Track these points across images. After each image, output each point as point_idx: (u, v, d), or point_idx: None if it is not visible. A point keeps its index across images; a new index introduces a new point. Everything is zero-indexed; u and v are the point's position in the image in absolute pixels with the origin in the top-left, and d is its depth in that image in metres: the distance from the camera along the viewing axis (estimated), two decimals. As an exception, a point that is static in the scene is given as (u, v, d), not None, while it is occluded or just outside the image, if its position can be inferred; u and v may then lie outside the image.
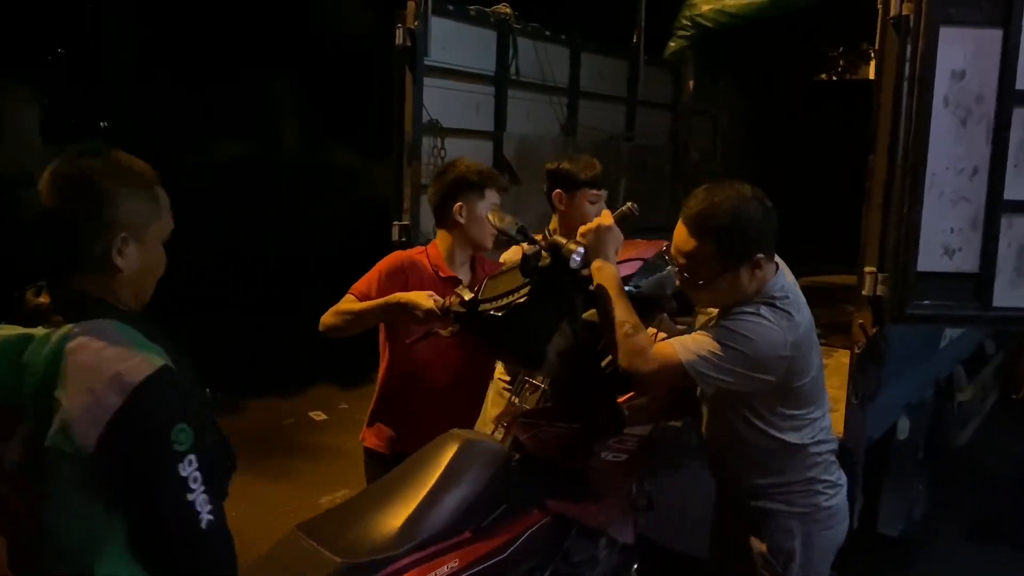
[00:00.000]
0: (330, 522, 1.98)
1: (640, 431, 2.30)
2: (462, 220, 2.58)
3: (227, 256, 8.30)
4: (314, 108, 10.40)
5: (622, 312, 2.02)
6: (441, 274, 2.59)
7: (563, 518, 2.18)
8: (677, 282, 2.19)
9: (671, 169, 6.46)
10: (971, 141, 2.62)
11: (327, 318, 2.52)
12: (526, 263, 2.07)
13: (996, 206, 2.61)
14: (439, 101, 4.11)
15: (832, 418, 3.10)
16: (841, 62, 11.16)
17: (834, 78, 10.82)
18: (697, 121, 6.67)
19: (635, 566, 2.41)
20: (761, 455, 2.14)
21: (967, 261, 2.66)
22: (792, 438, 2.12)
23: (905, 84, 2.61)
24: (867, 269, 2.69)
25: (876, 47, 2.77)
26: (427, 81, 3.96)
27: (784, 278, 2.09)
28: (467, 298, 2.14)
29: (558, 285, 2.09)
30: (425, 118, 3.98)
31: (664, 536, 2.97)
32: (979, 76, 2.59)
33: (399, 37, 3.80)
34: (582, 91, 5.36)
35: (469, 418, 2.63)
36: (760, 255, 1.97)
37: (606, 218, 2.17)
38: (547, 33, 5.03)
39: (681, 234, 2.01)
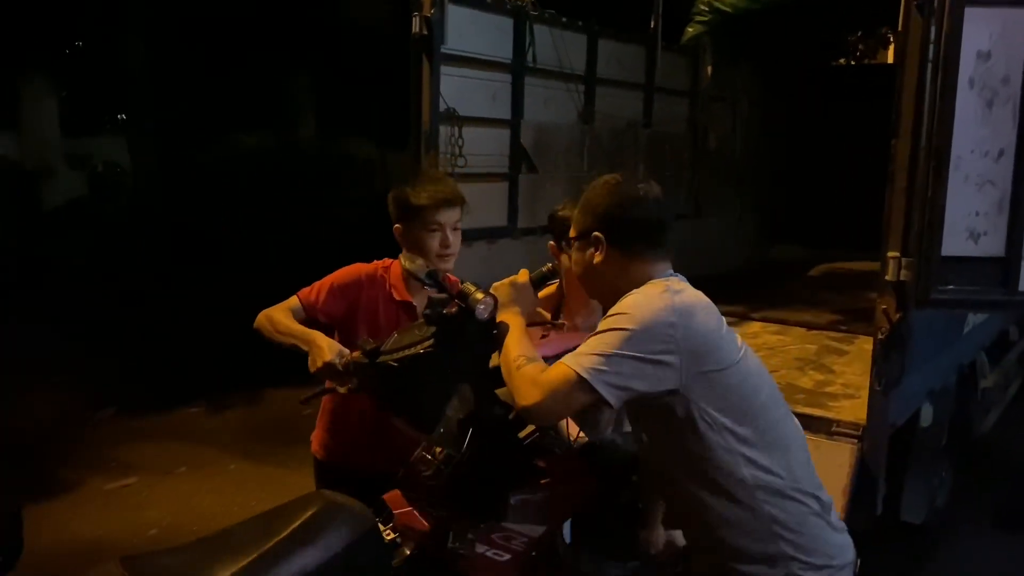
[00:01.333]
0: (156, 561, 1.80)
1: (530, 531, 2.00)
2: (401, 244, 2.46)
3: (245, 247, 8.35)
4: (331, 98, 10.42)
5: (516, 348, 1.85)
6: (396, 296, 2.47)
7: None
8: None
9: (689, 156, 6.42)
10: (997, 123, 2.58)
11: (261, 318, 2.41)
12: (430, 309, 1.96)
13: (1022, 189, 2.57)
14: (456, 89, 4.09)
15: (854, 405, 3.11)
16: (860, 47, 11.04)
17: (853, 63, 10.71)
18: (716, 107, 6.61)
19: None
20: (714, 505, 1.77)
21: (993, 245, 2.62)
22: (746, 474, 1.73)
23: (929, 66, 2.56)
24: (890, 254, 2.66)
25: (899, 29, 2.72)
26: (444, 69, 3.95)
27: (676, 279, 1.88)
28: (369, 348, 1.98)
29: (463, 337, 1.95)
30: (442, 107, 3.97)
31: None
32: (1005, 56, 2.55)
33: (416, 25, 3.79)
34: (599, 78, 5.32)
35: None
36: (597, 233, 1.86)
37: (522, 275, 2.06)
38: (564, 20, 5.00)
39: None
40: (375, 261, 2.56)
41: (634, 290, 1.80)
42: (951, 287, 2.64)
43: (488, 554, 1.96)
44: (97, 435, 5.63)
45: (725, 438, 1.73)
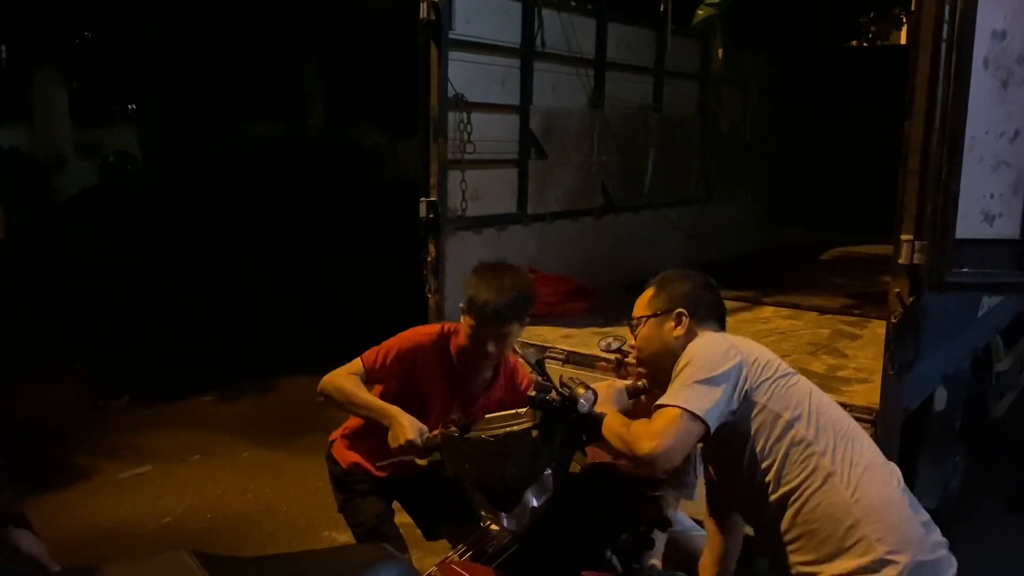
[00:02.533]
0: (226, 561, 1.86)
1: None
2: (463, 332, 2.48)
3: (257, 235, 8.37)
4: (340, 86, 10.41)
5: (618, 419, 2.06)
6: (457, 368, 2.51)
7: None
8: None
9: (700, 140, 6.38)
10: (1012, 104, 2.54)
11: (328, 385, 2.44)
12: (536, 394, 2.07)
13: (1038, 170, 2.54)
14: (464, 75, 4.08)
15: (868, 389, 3.09)
16: (872, 28, 10.94)
17: (865, 45, 10.61)
18: (727, 91, 6.57)
19: None
20: (793, 513, 1.96)
21: (1008, 227, 2.59)
22: (817, 468, 1.94)
23: (943, 47, 2.53)
24: (904, 237, 2.63)
25: (912, 10, 2.69)
26: (452, 55, 3.94)
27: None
28: (461, 423, 2.14)
29: (558, 427, 2.07)
30: (450, 93, 3.96)
31: None
32: (1021, 36, 2.51)
33: (423, 11, 3.77)
34: (609, 62, 5.29)
35: None
36: (681, 310, 2.11)
37: (620, 383, 2.31)
38: (573, 3, 4.97)
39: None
40: (437, 326, 2.58)
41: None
42: (965, 270, 2.61)
43: None
44: (111, 423, 5.67)
45: (793, 438, 1.96)
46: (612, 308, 4.34)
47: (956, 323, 3.43)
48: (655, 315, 2.15)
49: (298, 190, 9.20)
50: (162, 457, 4.96)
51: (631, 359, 3.14)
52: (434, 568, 2.15)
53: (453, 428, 2.15)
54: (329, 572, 1.90)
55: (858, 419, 2.80)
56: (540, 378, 2.14)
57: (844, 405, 2.84)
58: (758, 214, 7.25)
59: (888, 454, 2.82)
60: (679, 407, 1.92)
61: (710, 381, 1.95)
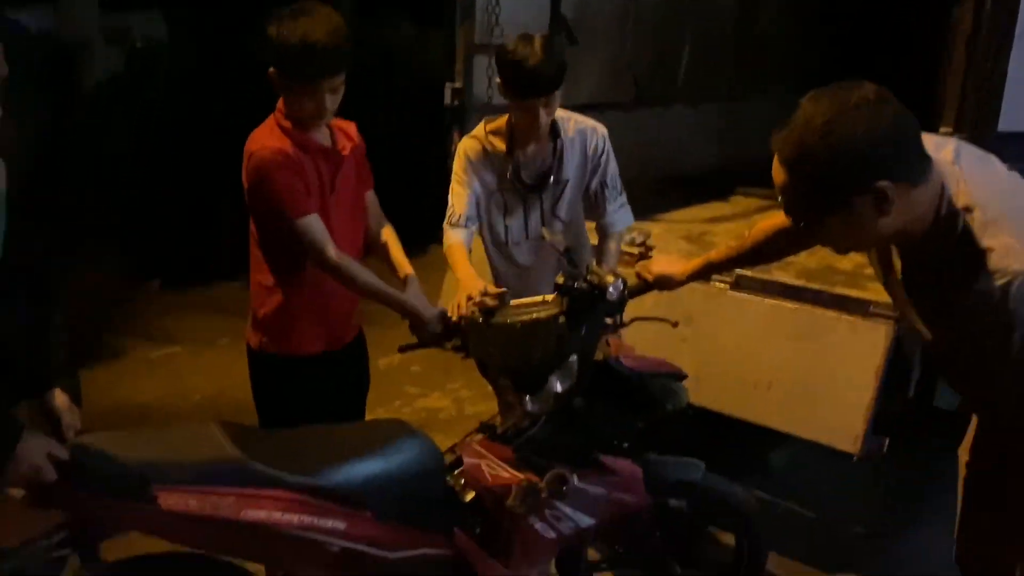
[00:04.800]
0: (250, 431, 1.97)
1: (579, 519, 2.11)
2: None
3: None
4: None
5: None
6: (321, 143, 2.36)
7: (464, 560, 2.05)
8: None
9: (737, 34, 6.13)
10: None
11: (340, 266, 2.28)
12: (564, 281, 2.09)
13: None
14: (494, -45, 3.92)
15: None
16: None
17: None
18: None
19: None
20: None
21: (1051, 121, 2.49)
22: None
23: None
24: (943, 129, 2.54)
25: None
26: (481, -66, 3.78)
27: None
28: (486, 309, 2.15)
29: (586, 315, 2.08)
30: (479, -28, 3.82)
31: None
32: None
33: None
34: (646, -54, 5.05)
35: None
36: (884, 183, 1.43)
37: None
38: None
39: (774, 164, 1.56)
40: (258, 132, 2.36)
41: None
42: (1007, 165, 2.52)
43: (536, 526, 2.06)
44: (143, 307, 5.80)
45: None
46: (639, 203, 4.28)
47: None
48: (834, 208, 1.49)
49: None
50: (192, 340, 5.09)
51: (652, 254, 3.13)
52: (455, 445, 2.21)
53: (477, 313, 2.17)
54: (352, 445, 1.99)
55: (881, 315, 2.80)
56: (569, 265, 2.15)
57: (868, 301, 2.84)
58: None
59: (909, 352, 2.83)
60: None
61: None
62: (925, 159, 1.48)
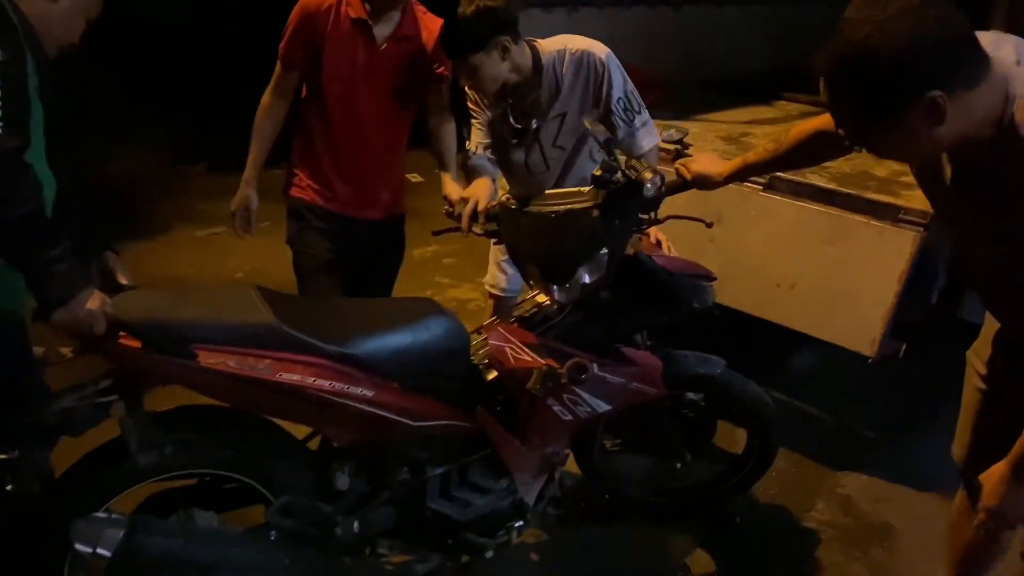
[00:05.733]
0: (287, 299, 2.02)
1: (596, 404, 2.17)
2: None
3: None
4: None
5: None
6: (351, 13, 2.50)
7: (484, 436, 2.14)
8: None
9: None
10: None
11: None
12: (602, 173, 2.05)
13: None
14: None
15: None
16: None
17: None
18: None
19: (518, 525, 2.26)
20: None
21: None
22: None
23: None
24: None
25: None
26: None
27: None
28: (520, 196, 2.18)
29: (621, 209, 2.05)
30: None
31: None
32: None
33: None
34: None
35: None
36: (935, 92, 1.35)
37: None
38: None
39: (821, 81, 1.48)
40: None
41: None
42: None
43: (555, 408, 2.13)
44: (188, 187, 5.94)
45: None
46: (681, 103, 4.24)
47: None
48: (885, 123, 1.41)
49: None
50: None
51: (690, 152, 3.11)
52: (481, 327, 2.30)
53: (512, 200, 2.20)
54: (383, 318, 2.07)
55: (910, 222, 2.79)
56: (608, 157, 2.13)
57: (899, 208, 2.83)
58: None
59: (936, 259, 2.82)
60: None
61: None
62: (981, 60, 1.39)
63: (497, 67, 2.37)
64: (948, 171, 1.57)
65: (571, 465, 2.60)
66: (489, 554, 2.23)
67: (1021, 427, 1.60)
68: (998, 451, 1.66)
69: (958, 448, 2.04)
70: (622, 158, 2.13)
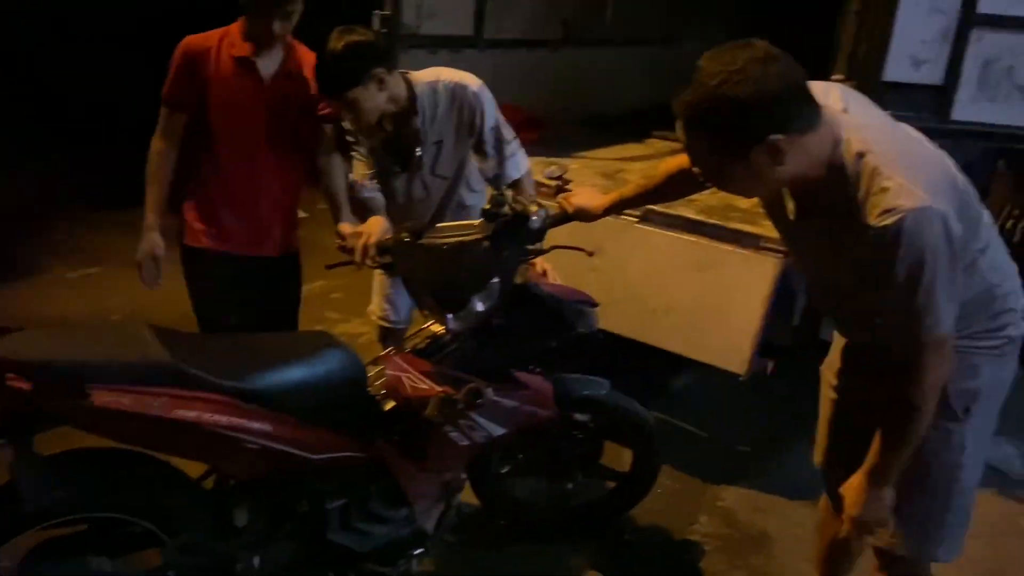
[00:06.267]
0: (179, 336, 2.02)
1: (492, 428, 2.25)
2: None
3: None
4: None
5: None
6: (234, 52, 2.57)
7: (382, 465, 2.20)
8: None
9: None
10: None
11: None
12: (491, 207, 2.17)
13: (968, 19, 2.63)
14: None
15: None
16: None
17: None
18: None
19: (417, 552, 2.31)
20: None
21: (933, 73, 2.71)
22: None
23: None
24: (835, 76, 2.73)
25: None
26: None
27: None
28: (415, 230, 2.26)
29: (509, 240, 2.19)
30: None
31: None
32: None
33: None
34: None
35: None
36: (776, 137, 1.53)
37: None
38: None
39: (677, 124, 1.66)
40: (210, 32, 2.62)
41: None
42: (888, 111, 2.73)
43: (452, 435, 2.20)
44: (59, 226, 5.70)
45: None
46: (560, 141, 4.42)
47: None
48: (732, 163, 1.60)
49: None
50: (110, 260, 5.04)
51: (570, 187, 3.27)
52: (377, 358, 2.34)
53: (406, 234, 2.27)
54: (278, 353, 2.09)
55: (770, 249, 3.02)
56: (496, 192, 2.26)
57: (759, 236, 3.05)
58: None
59: (795, 284, 3.06)
60: None
61: None
62: (814, 109, 1.58)
63: (375, 99, 2.45)
64: (791, 205, 1.77)
65: (467, 494, 2.66)
66: None
67: (871, 431, 1.79)
68: (853, 454, 1.84)
69: (818, 454, 2.22)
70: (509, 194, 2.25)
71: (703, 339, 3.17)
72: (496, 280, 2.21)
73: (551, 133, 4.55)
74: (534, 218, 2.16)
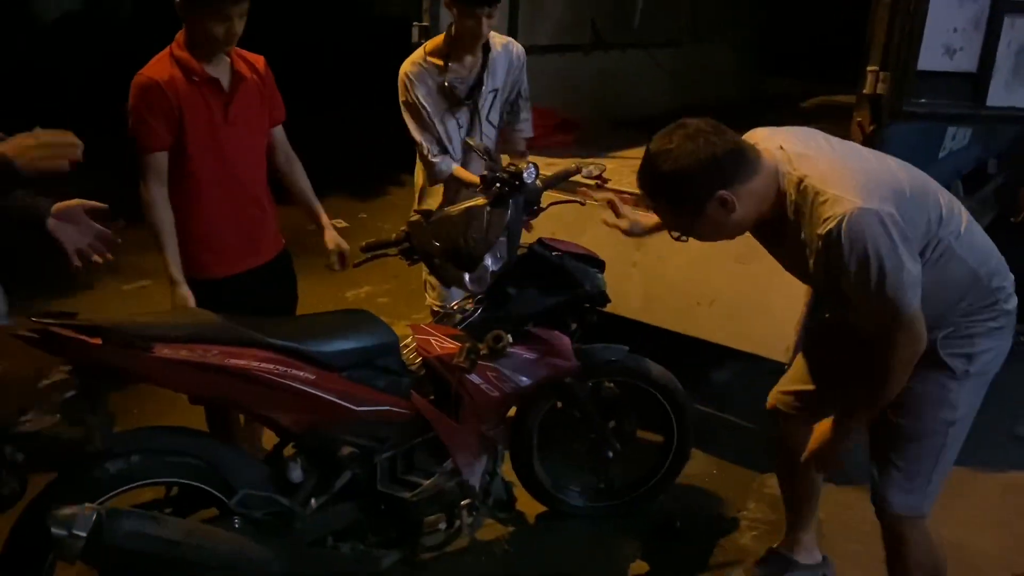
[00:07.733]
0: (239, 319, 2.15)
1: (518, 380, 2.44)
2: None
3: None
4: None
5: None
6: (196, 77, 2.49)
7: (422, 420, 2.35)
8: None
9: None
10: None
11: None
12: (488, 173, 2.50)
13: (1000, 5, 2.67)
14: None
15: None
16: None
17: None
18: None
19: (466, 503, 2.45)
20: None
21: (966, 60, 2.75)
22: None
23: None
24: (870, 68, 2.79)
25: None
26: None
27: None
28: (424, 211, 2.53)
29: (510, 199, 2.46)
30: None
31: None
32: None
33: None
34: None
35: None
36: (721, 191, 1.87)
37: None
38: None
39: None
40: (152, 60, 2.53)
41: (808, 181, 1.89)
42: (923, 100, 2.79)
43: (482, 386, 2.39)
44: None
45: None
46: (596, 141, 4.50)
47: (917, 159, 3.61)
48: (692, 219, 1.94)
49: (291, 11, 8.89)
50: (159, 275, 5.09)
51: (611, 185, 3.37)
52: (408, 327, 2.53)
53: (418, 217, 2.50)
54: (322, 325, 2.34)
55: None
56: (491, 161, 2.60)
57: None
58: (747, 60, 7.21)
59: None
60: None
61: None
62: (750, 159, 1.90)
63: (493, 22, 3.04)
64: (761, 234, 2.12)
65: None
66: (442, 538, 2.42)
67: (843, 386, 2.13)
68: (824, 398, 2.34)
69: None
70: (504, 161, 2.65)
71: (747, 329, 3.23)
72: (503, 238, 2.45)
73: (587, 134, 4.64)
74: (525, 174, 2.45)
